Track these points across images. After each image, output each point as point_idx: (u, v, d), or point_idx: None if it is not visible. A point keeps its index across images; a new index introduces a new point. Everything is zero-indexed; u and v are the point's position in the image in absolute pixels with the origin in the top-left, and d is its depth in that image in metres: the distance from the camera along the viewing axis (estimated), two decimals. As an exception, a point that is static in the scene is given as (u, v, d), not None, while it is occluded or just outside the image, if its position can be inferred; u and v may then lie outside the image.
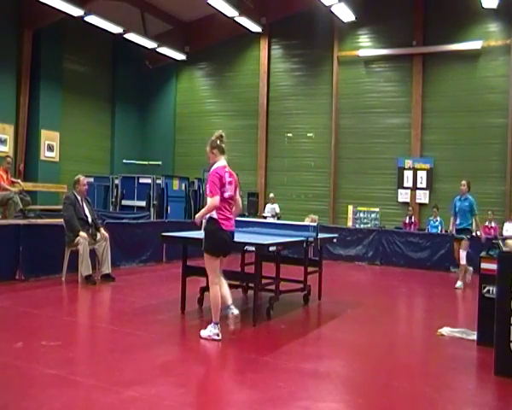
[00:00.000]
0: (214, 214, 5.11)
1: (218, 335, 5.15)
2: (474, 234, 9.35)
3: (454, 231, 9.32)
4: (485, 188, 14.13)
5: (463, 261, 9.10)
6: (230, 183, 5.22)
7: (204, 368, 4.55)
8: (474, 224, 9.27)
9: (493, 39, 14.24)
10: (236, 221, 5.68)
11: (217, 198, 5.03)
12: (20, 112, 14.66)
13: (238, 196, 5.40)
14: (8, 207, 9.46)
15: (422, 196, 14.98)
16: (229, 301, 5.19)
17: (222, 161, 5.27)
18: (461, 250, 9.10)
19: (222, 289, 5.22)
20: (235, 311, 5.13)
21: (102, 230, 8.33)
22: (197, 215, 5.41)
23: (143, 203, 14.83)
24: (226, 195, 5.16)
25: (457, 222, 9.23)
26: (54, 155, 15.54)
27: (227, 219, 5.17)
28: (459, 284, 9.16)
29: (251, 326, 5.81)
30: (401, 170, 15.19)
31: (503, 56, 14.21)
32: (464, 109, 14.49)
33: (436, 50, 14.77)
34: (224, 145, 5.31)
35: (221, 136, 5.33)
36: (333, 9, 14.29)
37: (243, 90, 17.45)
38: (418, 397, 4.02)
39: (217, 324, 5.16)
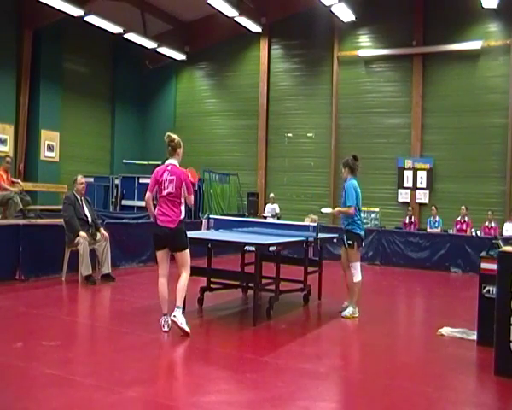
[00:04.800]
0: (155, 210, 5.52)
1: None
2: (350, 242, 6.54)
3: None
4: (485, 188, 14.16)
5: (358, 277, 6.56)
6: (171, 181, 5.42)
7: (204, 368, 4.54)
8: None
9: (493, 39, 14.24)
10: (237, 221, 5.72)
11: (147, 194, 5.55)
12: (20, 112, 14.66)
13: (186, 193, 5.50)
14: (8, 207, 9.46)
15: (422, 196, 14.98)
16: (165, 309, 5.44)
17: (168, 161, 5.56)
18: (350, 264, 6.59)
19: (163, 286, 5.51)
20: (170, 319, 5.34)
21: (102, 230, 8.33)
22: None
23: (143, 203, 14.77)
24: (165, 192, 5.43)
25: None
26: (54, 155, 15.54)
27: (163, 214, 5.43)
28: (350, 310, 6.54)
29: (251, 326, 5.81)
30: (401, 170, 15.19)
31: (503, 56, 14.21)
32: (464, 109, 14.49)
33: (436, 50, 14.77)
34: (170, 147, 5.57)
35: (167, 137, 5.60)
36: (333, 9, 14.29)
37: (243, 90, 17.45)
38: (418, 397, 4.02)
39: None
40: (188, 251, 5.54)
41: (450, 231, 12.89)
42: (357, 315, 6.54)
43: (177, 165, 5.55)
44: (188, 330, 5.24)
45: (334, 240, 8.36)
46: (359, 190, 6.68)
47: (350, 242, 6.54)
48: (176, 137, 5.61)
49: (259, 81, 17.06)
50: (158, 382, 4.04)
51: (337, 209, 6.98)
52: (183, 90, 18.71)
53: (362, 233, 6.66)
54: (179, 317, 5.24)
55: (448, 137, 14.72)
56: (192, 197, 5.58)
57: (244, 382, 4.16)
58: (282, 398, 3.79)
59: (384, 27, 15.50)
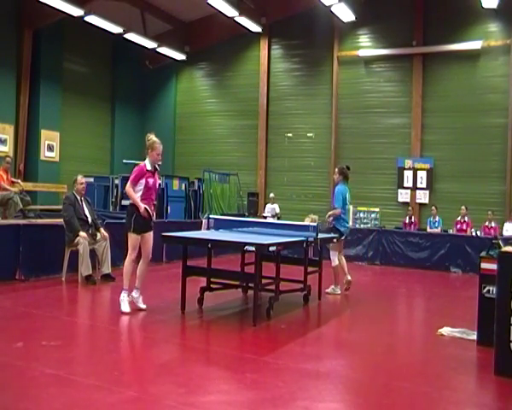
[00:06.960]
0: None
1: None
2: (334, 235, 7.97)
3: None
4: (485, 188, 14.17)
5: (334, 262, 8.09)
6: None
7: (204, 368, 4.54)
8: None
9: (493, 39, 14.25)
10: (237, 221, 5.81)
11: None
12: (20, 112, 14.65)
13: None
14: (8, 207, 9.47)
15: (422, 196, 14.99)
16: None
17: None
18: (331, 251, 8.22)
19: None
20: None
21: (102, 230, 8.33)
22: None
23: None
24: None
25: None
26: (54, 155, 15.54)
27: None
28: (332, 288, 8.09)
29: (251, 326, 5.81)
30: (401, 170, 15.20)
31: (503, 56, 14.21)
32: (464, 109, 14.50)
33: (436, 50, 14.77)
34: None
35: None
36: (333, 9, 14.29)
37: (243, 90, 17.46)
38: (418, 397, 4.02)
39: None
40: (130, 235, 6.14)
41: (450, 231, 12.90)
42: (339, 292, 8.02)
43: (146, 163, 6.19)
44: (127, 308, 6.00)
45: (334, 240, 8.37)
46: (347, 194, 8.03)
47: (334, 235, 7.91)
48: (150, 137, 6.22)
49: (259, 81, 17.07)
50: (158, 382, 4.03)
51: (328, 214, 8.16)
52: (183, 90, 18.71)
53: (342, 229, 7.98)
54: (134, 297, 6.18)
55: (448, 137, 14.73)
56: (127, 184, 6.17)
57: (244, 382, 4.16)
58: (282, 398, 3.79)
59: (384, 27, 15.51)
